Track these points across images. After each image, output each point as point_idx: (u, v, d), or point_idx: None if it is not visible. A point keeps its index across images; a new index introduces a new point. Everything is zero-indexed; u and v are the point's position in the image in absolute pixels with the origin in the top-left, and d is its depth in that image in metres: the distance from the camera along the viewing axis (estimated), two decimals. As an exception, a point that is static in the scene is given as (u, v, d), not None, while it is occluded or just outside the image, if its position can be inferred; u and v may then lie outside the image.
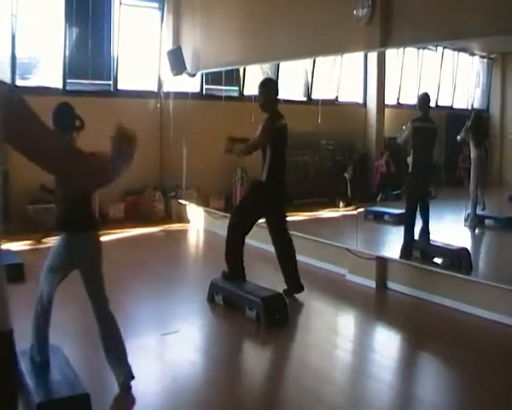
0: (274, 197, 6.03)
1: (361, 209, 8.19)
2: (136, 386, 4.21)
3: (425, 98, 6.97)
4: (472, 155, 7.54)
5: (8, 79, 9.18)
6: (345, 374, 4.74)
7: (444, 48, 8.26)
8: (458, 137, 7.50)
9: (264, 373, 4.73)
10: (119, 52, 10.32)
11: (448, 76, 8.57)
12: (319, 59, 9.41)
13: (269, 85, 6.30)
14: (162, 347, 5.08)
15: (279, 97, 6.26)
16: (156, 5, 10.80)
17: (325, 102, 9.43)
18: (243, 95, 10.32)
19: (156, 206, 10.30)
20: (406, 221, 6.99)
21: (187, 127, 9.79)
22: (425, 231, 6.91)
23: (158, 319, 5.68)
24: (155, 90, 10.88)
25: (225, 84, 10.16)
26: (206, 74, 10.47)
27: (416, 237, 6.91)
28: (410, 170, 7.02)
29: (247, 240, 6.24)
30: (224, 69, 9.69)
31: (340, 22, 7.19)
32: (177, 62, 10.13)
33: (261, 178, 6.08)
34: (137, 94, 10.63)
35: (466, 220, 7.55)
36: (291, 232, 6.30)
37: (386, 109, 8.73)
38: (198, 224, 9.85)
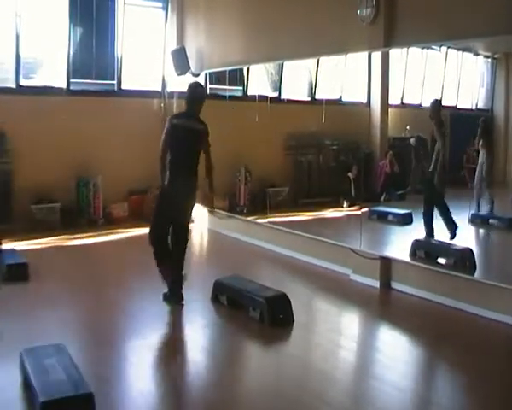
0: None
1: (365, 209, 8.18)
2: (139, 385, 4.23)
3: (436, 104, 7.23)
4: (480, 160, 7.56)
5: (12, 79, 9.24)
6: (348, 374, 4.73)
7: (448, 48, 8.24)
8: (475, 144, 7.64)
9: (268, 373, 4.72)
10: (122, 52, 10.33)
11: (452, 76, 8.56)
12: (323, 59, 9.40)
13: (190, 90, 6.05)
14: (165, 346, 5.09)
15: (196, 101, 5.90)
16: (160, 5, 10.81)
17: (329, 102, 9.44)
18: (247, 94, 10.33)
19: (160, 206, 10.29)
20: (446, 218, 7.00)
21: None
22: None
23: (161, 319, 5.68)
24: (159, 89, 10.88)
25: (229, 84, 10.17)
26: (210, 74, 10.48)
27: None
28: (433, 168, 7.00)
29: (249, 239, 6.22)
30: (227, 69, 9.70)
31: (343, 22, 7.17)
32: (181, 62, 10.14)
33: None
34: (141, 94, 10.64)
35: (470, 221, 7.55)
36: (296, 232, 6.27)
37: (390, 109, 8.72)
38: (202, 223, 9.86)
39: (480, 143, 7.60)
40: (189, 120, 5.82)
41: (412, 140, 7.70)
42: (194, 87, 6.08)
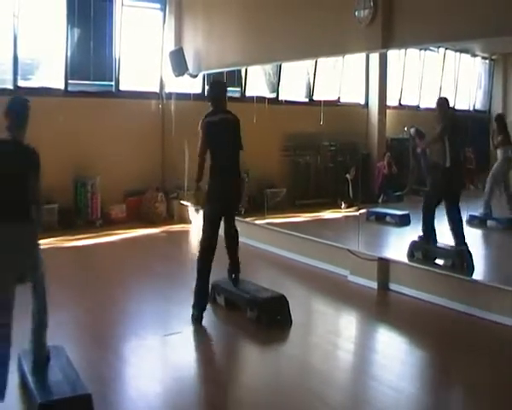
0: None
1: (363, 210, 8.18)
2: (138, 386, 4.23)
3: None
4: (498, 156, 7.56)
5: (10, 80, 9.22)
6: (347, 375, 4.74)
7: (445, 49, 8.26)
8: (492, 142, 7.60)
9: (266, 374, 4.72)
10: (120, 53, 10.32)
11: (450, 77, 8.57)
12: (321, 60, 9.41)
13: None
14: (164, 347, 5.09)
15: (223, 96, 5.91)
16: (158, 6, 10.81)
17: (327, 103, 9.44)
18: (245, 96, 10.32)
19: (158, 207, 10.30)
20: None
21: (189, 128, 9.76)
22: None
23: (160, 320, 5.68)
24: (157, 91, 10.88)
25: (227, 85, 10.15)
26: (208, 75, 10.47)
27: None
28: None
29: (247, 240, 6.21)
30: (225, 70, 9.69)
31: (341, 23, 7.17)
32: (179, 63, 10.14)
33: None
34: (139, 95, 10.63)
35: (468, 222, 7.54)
36: (293, 233, 6.26)
37: (387, 110, 8.74)
38: (199, 225, 9.85)
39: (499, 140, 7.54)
40: (225, 114, 5.71)
41: (412, 130, 7.62)
42: (218, 83, 6.10)
